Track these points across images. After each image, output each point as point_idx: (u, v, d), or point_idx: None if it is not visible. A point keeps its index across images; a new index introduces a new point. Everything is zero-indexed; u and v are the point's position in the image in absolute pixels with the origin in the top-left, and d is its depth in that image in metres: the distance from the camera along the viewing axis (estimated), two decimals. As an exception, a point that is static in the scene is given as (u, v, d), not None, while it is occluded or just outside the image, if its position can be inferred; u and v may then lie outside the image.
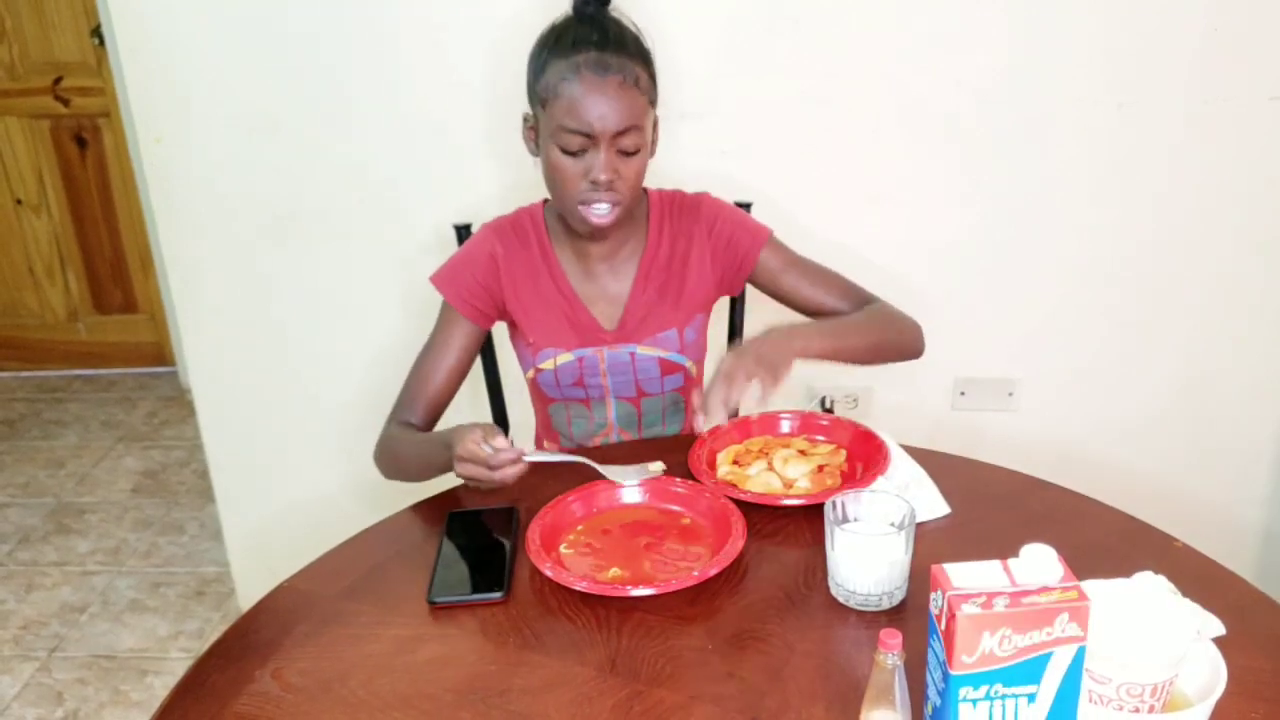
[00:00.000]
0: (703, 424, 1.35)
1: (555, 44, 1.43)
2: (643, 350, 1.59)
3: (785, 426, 1.54)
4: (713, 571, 1.22)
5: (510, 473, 1.33)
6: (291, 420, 2.41)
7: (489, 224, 1.62)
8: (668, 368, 1.60)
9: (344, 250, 2.23)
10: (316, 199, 2.20)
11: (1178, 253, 2.16)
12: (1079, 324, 2.23)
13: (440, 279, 1.59)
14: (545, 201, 1.60)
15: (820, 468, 1.43)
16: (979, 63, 2.04)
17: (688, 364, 1.62)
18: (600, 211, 1.46)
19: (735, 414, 1.47)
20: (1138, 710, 0.93)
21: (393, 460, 1.54)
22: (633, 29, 1.47)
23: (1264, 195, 2.10)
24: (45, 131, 3.68)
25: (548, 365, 1.59)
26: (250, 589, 2.53)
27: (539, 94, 1.45)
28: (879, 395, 2.30)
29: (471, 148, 2.14)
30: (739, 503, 1.34)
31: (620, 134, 1.42)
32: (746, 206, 1.79)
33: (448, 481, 1.51)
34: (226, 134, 2.15)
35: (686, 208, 1.61)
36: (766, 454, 1.45)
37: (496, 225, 1.61)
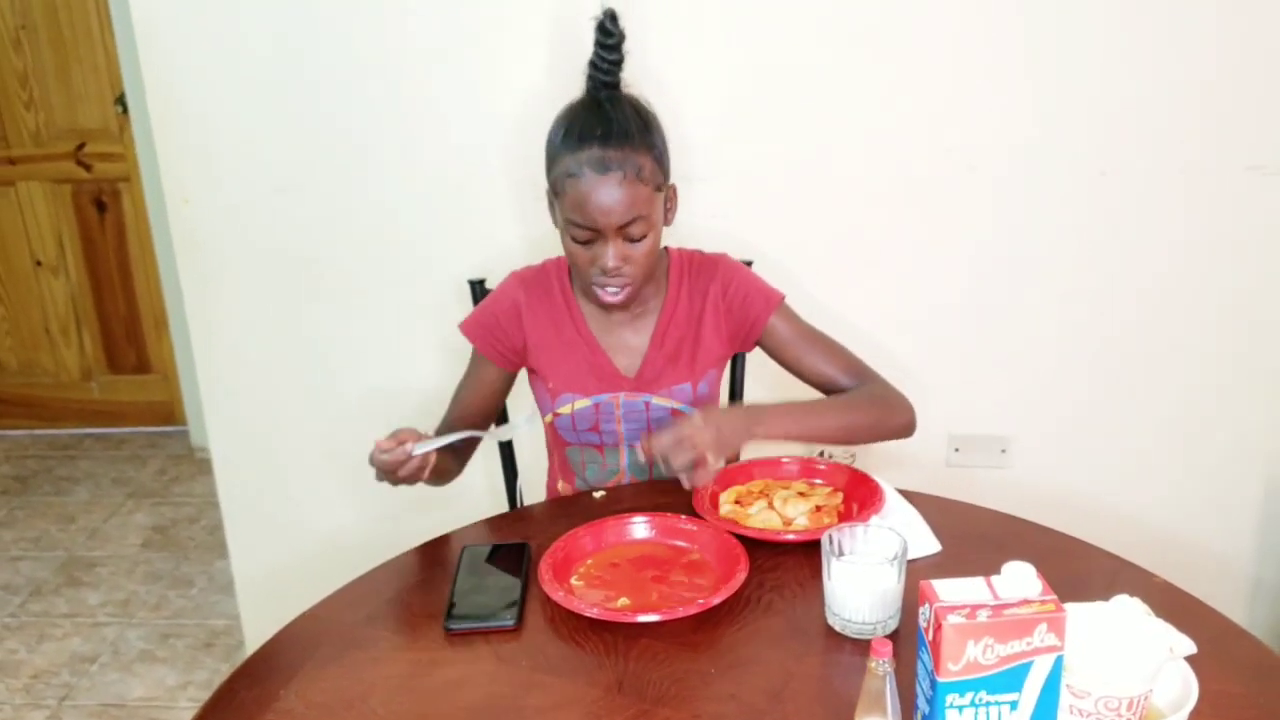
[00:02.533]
0: (638, 459, 1.41)
1: (565, 135, 1.49)
2: (658, 401, 1.65)
3: (785, 469, 1.61)
4: (717, 600, 1.28)
5: (406, 471, 1.44)
6: (306, 474, 2.47)
7: (515, 273, 1.70)
8: (680, 418, 1.67)
9: (364, 307, 2.31)
10: (338, 257, 2.29)
11: (1162, 313, 2.24)
12: (1070, 382, 2.31)
13: (467, 326, 1.69)
14: None
15: (818, 508, 1.49)
16: (968, 132, 2.15)
17: None
18: (612, 293, 1.55)
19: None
20: (1115, 722, 0.99)
21: None
22: (642, 114, 1.52)
23: (1243, 258, 2.19)
24: (67, 195, 3.80)
25: (565, 410, 1.65)
26: (260, 640, 2.57)
27: (552, 183, 1.53)
28: (875, 450, 2.35)
29: (491, 207, 2.22)
30: (740, 538, 1.41)
31: (625, 226, 1.49)
32: (748, 265, 1.87)
33: (460, 520, 1.58)
34: (252, 195, 2.24)
35: (705, 268, 1.68)
36: (767, 494, 1.52)
37: (521, 275, 1.69)
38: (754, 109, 2.15)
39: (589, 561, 1.41)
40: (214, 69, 2.17)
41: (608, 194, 1.46)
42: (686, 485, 1.45)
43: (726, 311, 1.66)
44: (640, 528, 1.45)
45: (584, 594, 1.34)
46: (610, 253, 1.49)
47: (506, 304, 1.66)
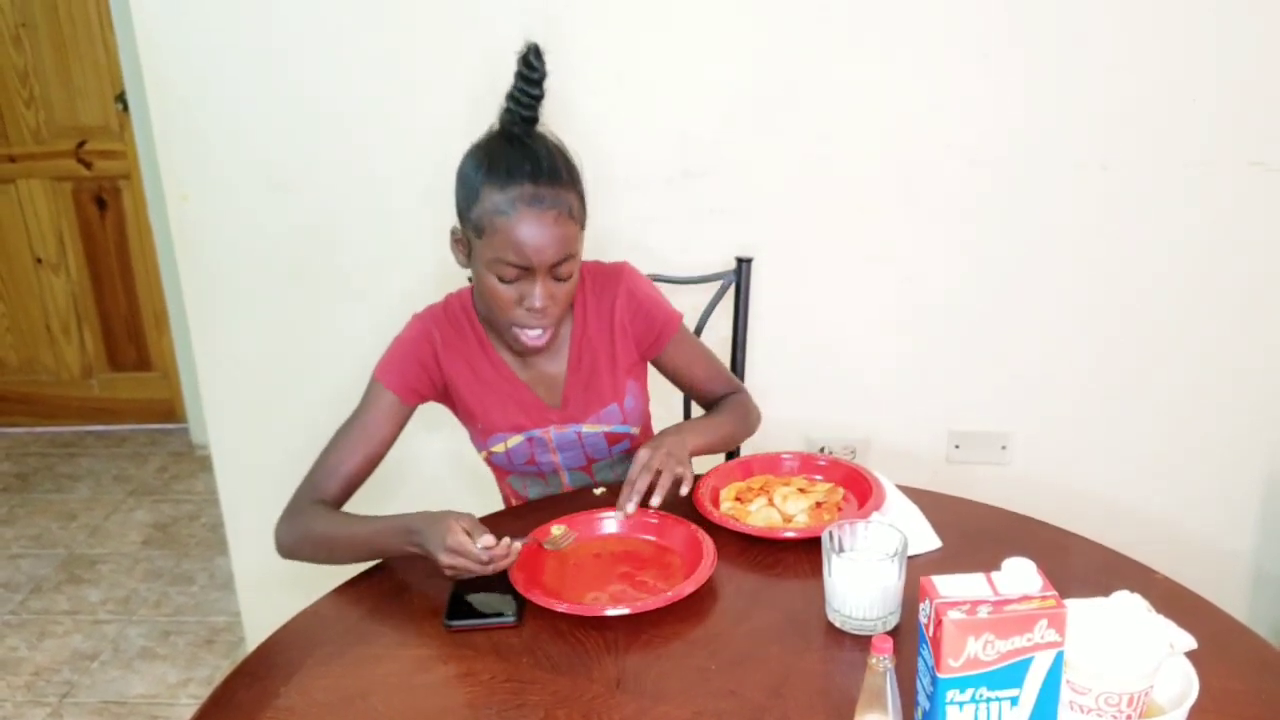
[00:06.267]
0: (624, 514, 1.46)
1: (489, 171, 1.43)
2: (588, 428, 1.63)
3: (785, 465, 1.61)
4: (686, 591, 1.29)
5: (503, 565, 1.33)
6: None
7: (420, 314, 1.64)
8: (614, 439, 1.66)
9: (364, 303, 2.30)
10: (338, 255, 2.28)
11: (1163, 309, 2.24)
12: (1070, 378, 2.30)
13: (385, 374, 1.59)
14: (473, 287, 1.59)
15: (818, 504, 1.49)
16: (969, 128, 2.14)
17: (633, 430, 1.67)
18: (534, 335, 1.51)
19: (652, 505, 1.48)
20: (1115, 719, 0.99)
21: (316, 540, 1.50)
22: (564, 151, 1.48)
23: (1244, 254, 2.19)
24: (67, 193, 3.79)
25: (499, 448, 1.63)
26: (261, 637, 2.57)
27: (473, 220, 1.45)
28: (875, 448, 2.37)
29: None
30: (743, 536, 1.41)
31: (556, 264, 1.45)
32: (747, 262, 1.88)
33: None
34: (251, 191, 2.24)
35: (608, 281, 1.63)
36: (767, 491, 1.53)
37: (429, 314, 1.63)
38: (752, 104, 2.15)
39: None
40: (213, 66, 2.17)
41: (542, 232, 1.41)
42: (685, 492, 1.50)
43: (633, 328, 1.64)
44: (611, 524, 1.47)
45: (554, 589, 1.34)
46: (538, 292, 1.45)
47: (424, 345, 1.60)
